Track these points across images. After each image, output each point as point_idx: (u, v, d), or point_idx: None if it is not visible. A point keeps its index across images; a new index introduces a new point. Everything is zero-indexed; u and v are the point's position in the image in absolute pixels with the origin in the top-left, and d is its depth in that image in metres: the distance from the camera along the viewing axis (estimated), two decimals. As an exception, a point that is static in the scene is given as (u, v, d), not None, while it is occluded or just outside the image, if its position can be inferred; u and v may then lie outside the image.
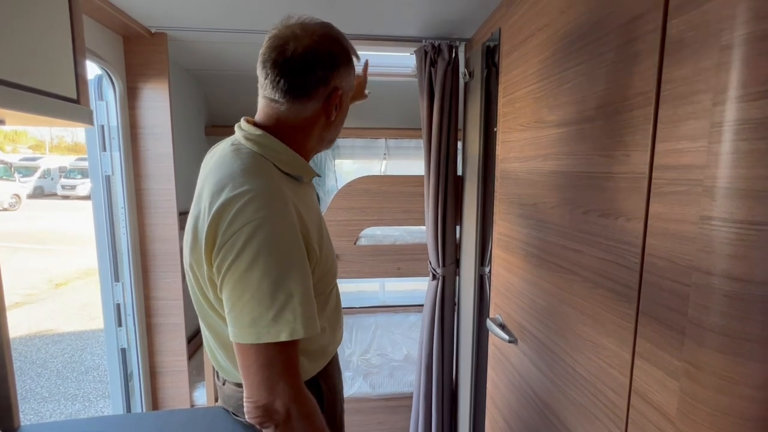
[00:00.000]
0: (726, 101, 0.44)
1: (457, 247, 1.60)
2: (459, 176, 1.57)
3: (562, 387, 0.79)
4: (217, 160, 0.68)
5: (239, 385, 0.74)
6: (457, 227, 1.59)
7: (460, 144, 1.53)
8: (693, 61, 0.49)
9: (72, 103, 0.59)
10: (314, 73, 0.66)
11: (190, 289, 0.73)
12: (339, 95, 0.71)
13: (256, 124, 0.71)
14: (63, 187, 14.34)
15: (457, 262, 1.60)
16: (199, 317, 0.76)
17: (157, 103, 1.34)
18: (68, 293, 5.07)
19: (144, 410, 1.42)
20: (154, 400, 1.45)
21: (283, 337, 0.59)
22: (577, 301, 0.73)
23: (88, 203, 1.36)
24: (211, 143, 2.20)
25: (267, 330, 0.58)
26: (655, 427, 0.56)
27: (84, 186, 12.08)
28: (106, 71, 1.25)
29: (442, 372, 1.55)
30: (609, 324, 0.65)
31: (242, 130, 0.70)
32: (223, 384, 0.80)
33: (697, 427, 0.49)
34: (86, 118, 0.63)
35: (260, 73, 0.68)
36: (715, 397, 0.47)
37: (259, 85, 0.70)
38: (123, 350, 1.39)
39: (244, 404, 0.62)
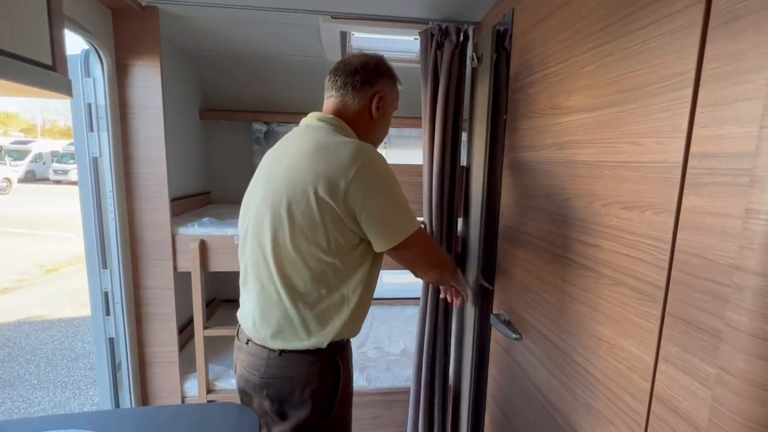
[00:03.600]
0: (785, 80, 0.39)
1: (459, 239, 1.55)
2: (463, 166, 1.52)
3: (572, 388, 0.75)
4: (309, 140, 0.83)
5: (263, 347, 0.86)
6: (459, 219, 1.54)
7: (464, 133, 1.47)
8: (745, 35, 0.44)
9: (46, 70, 0.52)
10: (363, 74, 0.89)
11: (254, 245, 0.86)
12: (381, 97, 0.91)
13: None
14: (55, 171, 14.10)
15: (458, 255, 1.56)
16: (257, 281, 0.86)
17: (148, 81, 1.27)
18: (59, 279, 4.99)
19: (133, 402, 1.37)
20: (144, 392, 1.41)
21: (417, 222, 0.87)
22: (593, 299, 0.69)
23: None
24: (206, 127, 2.14)
25: (409, 223, 0.84)
26: (679, 436, 0.52)
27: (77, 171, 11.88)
28: (93, 46, 1.17)
29: (440, 367, 1.51)
30: (629, 324, 0.61)
31: (312, 117, 0.90)
32: (246, 343, 0.89)
33: (731, 439, 0.45)
34: (63, 87, 0.57)
35: (326, 82, 0.93)
36: (754, 408, 0.43)
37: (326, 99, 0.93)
38: (111, 340, 1.34)
39: (427, 277, 0.99)
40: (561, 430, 0.79)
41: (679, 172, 0.52)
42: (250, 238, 0.86)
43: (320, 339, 0.83)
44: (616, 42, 0.64)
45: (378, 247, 0.83)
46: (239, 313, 0.94)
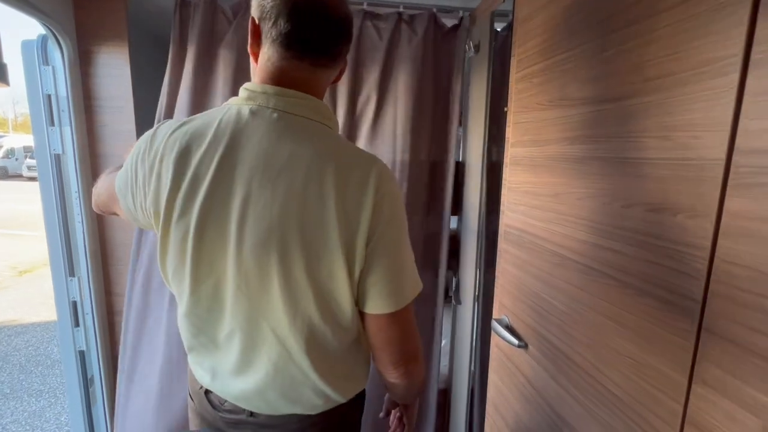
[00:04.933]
0: None
1: (453, 238, 1.49)
2: (458, 162, 1.45)
3: (587, 405, 0.69)
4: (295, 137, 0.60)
5: (278, 416, 0.69)
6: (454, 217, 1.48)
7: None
8: (810, 10, 0.37)
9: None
10: (351, 38, 0.66)
11: (250, 311, 0.62)
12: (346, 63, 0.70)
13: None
14: (29, 167, 13.54)
15: (452, 254, 1.49)
16: (255, 349, 0.65)
17: (115, 70, 1.15)
18: (34, 281, 4.76)
19: (107, 418, 1.27)
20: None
21: (421, 286, 0.67)
22: (613, 310, 0.63)
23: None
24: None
25: (417, 284, 0.66)
26: (719, 467, 0.46)
27: (52, 167, 11.43)
28: (51, 30, 1.05)
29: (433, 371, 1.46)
30: (658, 340, 0.55)
31: (277, 94, 0.61)
32: (250, 415, 0.70)
33: (787, 478, 0.39)
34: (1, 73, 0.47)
35: (295, 26, 0.59)
36: (818, 445, 0.37)
37: (281, 39, 0.60)
38: (81, 353, 1.23)
39: (394, 371, 0.68)
40: (573, 447, 0.73)
41: (720, 170, 0.46)
42: (235, 299, 0.62)
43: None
44: (643, 23, 0.57)
45: (375, 306, 0.62)
46: (214, 382, 0.71)
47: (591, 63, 0.68)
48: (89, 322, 1.21)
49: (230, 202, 0.58)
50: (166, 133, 0.62)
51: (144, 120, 1.21)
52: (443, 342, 1.84)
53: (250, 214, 0.57)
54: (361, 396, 0.76)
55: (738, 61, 0.44)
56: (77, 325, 1.22)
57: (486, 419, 1.15)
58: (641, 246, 0.57)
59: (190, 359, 0.74)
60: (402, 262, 0.62)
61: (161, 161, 0.61)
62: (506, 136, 1.02)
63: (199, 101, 1.17)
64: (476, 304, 1.33)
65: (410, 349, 0.67)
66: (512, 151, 0.99)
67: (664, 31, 0.53)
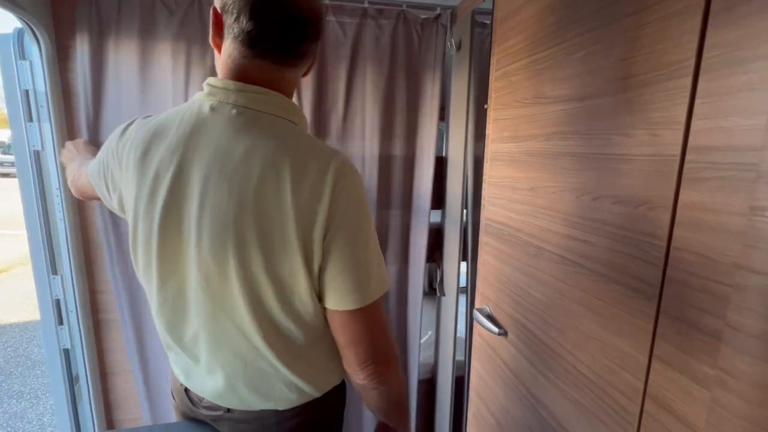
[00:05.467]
0: (796, 69, 0.37)
1: (437, 232, 1.52)
2: (440, 157, 1.48)
3: (561, 386, 0.74)
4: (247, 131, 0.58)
5: (254, 411, 0.69)
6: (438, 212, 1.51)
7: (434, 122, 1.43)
8: (750, 21, 0.41)
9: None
10: (319, 36, 0.63)
11: (213, 308, 0.62)
12: (316, 58, 0.67)
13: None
14: (2, 163, 13.01)
15: (434, 247, 1.53)
16: (221, 347, 0.65)
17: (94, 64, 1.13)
18: (10, 280, 4.62)
19: (94, 416, 1.27)
20: (106, 404, 1.31)
21: (388, 284, 0.65)
22: (582, 296, 0.67)
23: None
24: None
25: (383, 281, 0.63)
26: (674, 436, 0.51)
27: (25, 163, 11.01)
28: (27, 24, 1.03)
29: (409, 361, 1.50)
30: (622, 322, 0.59)
31: (238, 90, 0.59)
32: (227, 411, 0.71)
33: (730, 441, 0.44)
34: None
35: (255, 24, 0.57)
36: (755, 410, 0.42)
37: (243, 37, 0.58)
38: (66, 351, 1.22)
39: (361, 372, 0.64)
40: (548, 427, 0.78)
41: (676, 165, 0.50)
42: (198, 295, 0.61)
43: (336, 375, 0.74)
44: (608, 27, 0.60)
45: (335, 302, 0.61)
46: (189, 380, 0.72)
47: (563, 63, 0.71)
48: (73, 320, 1.20)
49: (189, 200, 0.58)
50: (135, 129, 0.63)
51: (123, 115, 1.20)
52: (429, 333, 1.88)
53: (207, 211, 0.57)
54: (338, 390, 0.75)
55: (691, 65, 0.48)
56: (61, 323, 1.21)
57: (469, 405, 1.20)
58: (608, 236, 0.61)
59: (169, 358, 0.75)
60: (364, 259, 0.60)
61: (128, 157, 0.62)
62: (487, 132, 1.05)
63: (144, 98, 1.15)
64: (461, 295, 1.37)
65: (378, 348, 0.63)
66: (492, 147, 1.02)
67: (628, 35, 0.57)
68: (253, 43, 0.57)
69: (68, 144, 0.90)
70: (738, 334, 0.42)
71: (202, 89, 0.62)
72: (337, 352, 0.68)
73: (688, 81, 0.48)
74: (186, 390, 0.75)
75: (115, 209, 0.70)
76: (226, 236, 0.56)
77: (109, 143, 0.67)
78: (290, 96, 0.64)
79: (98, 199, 0.78)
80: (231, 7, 0.55)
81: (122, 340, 1.27)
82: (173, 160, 0.58)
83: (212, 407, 0.72)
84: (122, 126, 0.67)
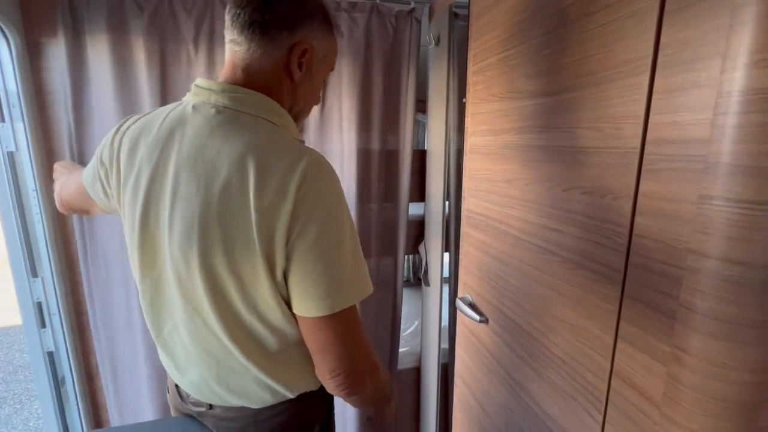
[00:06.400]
0: (737, 68, 0.40)
1: (420, 224, 1.55)
2: (421, 151, 1.50)
3: (538, 368, 0.78)
4: (213, 131, 0.58)
5: (233, 408, 0.70)
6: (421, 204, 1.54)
7: (419, 115, 1.45)
8: (698, 21, 0.44)
9: None
10: (280, 6, 0.59)
11: (185, 305, 0.63)
12: (306, 50, 0.62)
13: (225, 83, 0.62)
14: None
15: (418, 239, 1.56)
16: (194, 342, 0.65)
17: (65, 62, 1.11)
18: (-14, 285, 4.48)
19: (82, 417, 1.27)
20: (94, 405, 1.30)
21: (367, 292, 0.61)
22: (556, 282, 0.71)
23: None
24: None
25: (358, 289, 0.60)
26: (637, 409, 0.55)
27: (-3, 163, 10.60)
28: (-6, 21, 1.00)
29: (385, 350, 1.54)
30: (590, 306, 0.63)
31: (220, 90, 0.60)
32: (210, 408, 0.72)
33: (684, 411, 0.48)
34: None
35: (226, 14, 0.62)
36: (706, 382, 0.45)
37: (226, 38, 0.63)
38: (50, 354, 1.21)
39: (331, 381, 0.62)
40: (528, 408, 0.82)
41: (636, 158, 0.53)
42: (173, 291, 0.63)
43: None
44: (572, 25, 0.63)
45: (300, 307, 0.59)
46: (174, 375, 0.73)
47: (534, 59, 0.74)
48: (56, 323, 1.19)
49: (163, 196, 0.59)
50: (126, 127, 0.66)
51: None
52: (416, 323, 1.92)
53: (177, 207, 0.58)
54: (315, 397, 0.72)
55: (648, 62, 0.50)
56: (44, 326, 1.20)
57: (454, 391, 1.24)
58: (577, 225, 0.65)
59: (158, 349, 0.76)
60: (333, 263, 0.57)
61: (118, 155, 0.64)
62: (465, 125, 1.07)
63: (121, 95, 1.13)
64: (444, 285, 1.41)
65: (350, 358, 0.60)
66: (471, 140, 1.05)
67: (590, 33, 0.59)
68: (229, 37, 0.62)
69: (56, 165, 0.88)
70: (690, 313, 0.46)
71: (179, 86, 0.65)
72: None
73: (646, 78, 0.51)
74: (177, 385, 0.76)
75: (114, 208, 0.71)
76: (192, 233, 0.57)
77: (105, 141, 0.68)
78: (274, 93, 0.63)
79: (83, 212, 0.78)
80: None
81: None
82: (153, 157, 0.60)
83: (197, 403, 0.73)
84: (116, 126, 0.68)
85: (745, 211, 0.41)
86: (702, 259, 0.44)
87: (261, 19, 0.59)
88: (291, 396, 0.69)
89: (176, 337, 0.68)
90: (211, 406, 0.72)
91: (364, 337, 0.63)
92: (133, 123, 0.66)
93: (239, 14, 0.59)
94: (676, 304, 0.48)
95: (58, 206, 0.85)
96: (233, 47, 0.61)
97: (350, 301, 0.59)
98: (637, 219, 0.54)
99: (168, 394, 0.83)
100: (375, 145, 1.36)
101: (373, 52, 1.27)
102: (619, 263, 0.56)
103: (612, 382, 0.60)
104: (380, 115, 1.33)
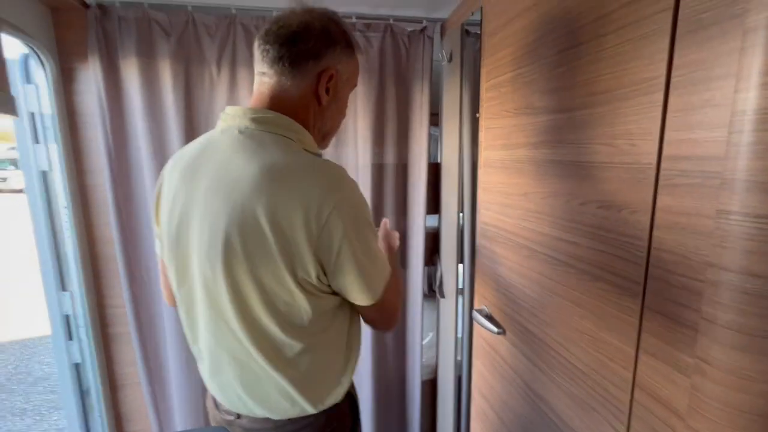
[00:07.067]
0: (750, 89, 0.42)
1: (434, 236, 1.57)
2: (435, 164, 1.53)
3: (557, 379, 0.78)
4: (238, 151, 0.63)
5: (258, 420, 0.72)
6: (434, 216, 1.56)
7: (432, 129, 1.48)
8: (711, 44, 0.46)
9: (-14, 89, 0.47)
10: (305, 43, 0.64)
11: (211, 312, 0.67)
12: (332, 76, 0.67)
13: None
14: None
15: (433, 250, 1.58)
16: (221, 348, 0.69)
17: (96, 86, 1.17)
18: (7, 297, 4.60)
19: (105, 428, 1.29)
20: (117, 416, 1.33)
21: (389, 274, 0.71)
22: (573, 294, 0.72)
23: (24, 197, 1.19)
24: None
25: (383, 275, 0.69)
26: (661, 422, 0.55)
27: (19, 177, 10.94)
28: (32, 49, 1.06)
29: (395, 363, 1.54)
30: (610, 318, 0.63)
31: (244, 114, 0.65)
32: (238, 417, 0.74)
33: (709, 423, 0.48)
34: (6, 105, 0.51)
35: (255, 50, 0.67)
36: (730, 394, 0.46)
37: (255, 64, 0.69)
38: (77, 365, 1.25)
39: (377, 330, 0.78)
40: (547, 419, 0.82)
41: (652, 173, 0.54)
42: (201, 299, 0.67)
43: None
44: (586, 45, 0.65)
45: (356, 299, 0.68)
46: (207, 382, 0.77)
47: (548, 77, 0.76)
48: (83, 335, 1.23)
49: (194, 215, 0.64)
50: (166, 168, 0.73)
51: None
52: (430, 335, 1.92)
53: (206, 224, 0.63)
54: (339, 412, 0.74)
55: (662, 81, 0.52)
56: (71, 338, 1.23)
57: (472, 403, 1.24)
58: (594, 238, 0.66)
59: (196, 360, 0.79)
60: (366, 263, 0.64)
61: (160, 190, 0.72)
62: (479, 140, 1.10)
63: (149, 115, 1.18)
64: (460, 297, 1.41)
65: (392, 318, 0.75)
66: (485, 154, 1.07)
67: (606, 52, 0.61)
68: (258, 70, 0.68)
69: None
70: (712, 325, 0.47)
71: (203, 106, 0.71)
72: (336, 366, 0.72)
73: (660, 96, 0.53)
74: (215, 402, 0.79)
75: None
76: (217, 244, 0.61)
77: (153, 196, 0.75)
78: (300, 116, 0.67)
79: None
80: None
81: (131, 353, 1.30)
82: (186, 179, 0.66)
83: (228, 412, 0.75)
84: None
85: (763, 225, 0.42)
86: (722, 272, 0.45)
87: (289, 53, 0.64)
88: (312, 411, 0.70)
89: (206, 345, 0.71)
90: (239, 416, 0.74)
91: (398, 300, 0.76)
92: (172, 162, 0.72)
93: (268, 50, 0.64)
94: (697, 316, 0.49)
95: (167, 300, 0.85)
96: (263, 79, 0.67)
97: (383, 284, 0.68)
98: (655, 233, 0.55)
99: (207, 402, 0.86)
100: (390, 159, 1.39)
101: (387, 70, 1.31)
102: (639, 276, 0.58)
103: (635, 393, 0.60)
104: (395, 129, 1.37)
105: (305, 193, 0.58)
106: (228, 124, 0.66)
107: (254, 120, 0.64)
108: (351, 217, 0.60)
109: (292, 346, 0.66)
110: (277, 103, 0.66)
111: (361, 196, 0.64)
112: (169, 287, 0.81)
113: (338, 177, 0.62)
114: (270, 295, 0.63)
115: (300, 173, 0.59)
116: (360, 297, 0.66)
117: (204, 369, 0.75)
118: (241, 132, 0.64)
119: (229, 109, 0.68)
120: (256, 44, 0.67)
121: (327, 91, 0.68)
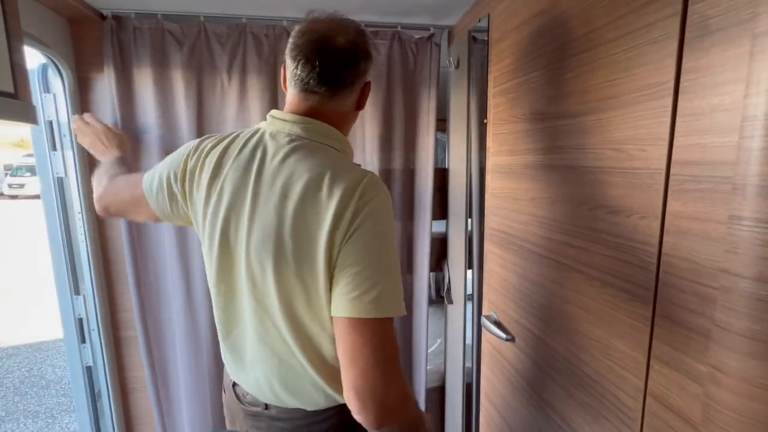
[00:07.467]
0: (760, 93, 0.41)
1: (442, 241, 1.56)
2: (443, 169, 1.53)
3: (566, 386, 0.77)
4: (296, 156, 0.67)
5: (287, 410, 0.74)
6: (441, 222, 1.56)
7: (439, 134, 1.48)
8: (720, 49, 0.46)
9: (8, 99, 0.49)
10: (357, 65, 0.70)
11: (257, 308, 0.70)
12: (367, 85, 0.76)
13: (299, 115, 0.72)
14: (10, 186, 13.24)
15: (441, 256, 1.57)
16: (263, 344, 0.71)
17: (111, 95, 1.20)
18: (21, 301, 4.69)
19: (116, 430, 1.31)
20: (127, 419, 1.35)
21: (400, 312, 0.63)
22: (583, 300, 0.71)
23: (40, 203, 1.22)
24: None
25: (393, 302, 0.62)
26: (674, 430, 0.54)
27: (35, 184, 11.22)
28: (51, 59, 1.10)
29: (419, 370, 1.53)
30: (620, 325, 0.63)
31: (293, 121, 0.70)
32: (266, 408, 0.76)
33: (723, 433, 0.47)
34: (28, 115, 0.53)
35: (300, 66, 0.68)
36: (745, 403, 0.45)
37: (295, 79, 0.70)
38: (89, 368, 1.27)
39: (353, 399, 0.61)
40: (558, 427, 0.81)
41: (662, 178, 0.54)
42: (246, 296, 0.70)
43: None
44: (595, 50, 0.65)
45: (335, 308, 0.63)
46: (238, 375, 0.79)
47: (555, 83, 0.76)
48: (95, 338, 1.25)
49: (243, 214, 0.68)
50: (205, 147, 0.74)
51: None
52: (438, 341, 1.91)
53: (256, 223, 0.67)
54: None
55: (671, 86, 0.52)
56: (83, 341, 1.26)
57: (480, 411, 1.22)
58: (603, 244, 0.65)
59: (222, 350, 0.82)
60: (375, 274, 0.61)
61: (200, 172, 0.73)
62: (487, 145, 1.10)
63: (162, 122, 1.21)
64: (468, 302, 1.40)
65: (375, 376, 0.59)
66: (492, 160, 1.07)
67: (614, 58, 0.61)
68: (306, 86, 0.69)
69: (96, 171, 0.96)
70: (725, 333, 0.46)
71: (213, 112, 0.71)
72: None
73: (669, 101, 0.52)
74: (234, 385, 0.82)
75: (168, 215, 0.78)
76: (268, 243, 0.65)
77: (178, 158, 0.75)
78: (340, 125, 0.73)
79: (124, 217, 0.83)
80: (291, 59, 0.69)
81: (141, 356, 1.31)
82: (235, 178, 0.69)
83: (254, 403, 0.78)
84: (194, 142, 0.76)
85: (776, 231, 0.41)
86: (735, 278, 0.45)
87: (345, 76, 0.69)
88: (342, 401, 0.71)
89: (244, 338, 0.75)
90: (267, 407, 0.76)
91: (397, 363, 0.61)
92: (213, 146, 0.73)
93: (315, 67, 0.67)
94: (710, 323, 0.48)
95: (98, 209, 0.88)
96: (310, 95, 0.70)
97: (384, 313, 0.60)
98: (666, 238, 0.54)
99: (224, 395, 0.89)
100: (397, 164, 1.40)
101: (394, 77, 1.33)
102: (649, 282, 0.57)
103: (647, 401, 0.59)
104: (402, 135, 1.37)
105: (353, 196, 0.63)
106: (277, 128, 0.71)
107: (304, 129, 0.70)
108: (376, 220, 0.64)
109: (328, 348, 0.70)
110: (322, 113, 0.71)
111: (392, 212, 0.68)
112: (106, 203, 0.86)
113: (381, 187, 0.67)
114: (312, 298, 0.66)
115: (350, 179, 0.64)
116: (341, 305, 0.61)
117: (234, 362, 0.78)
118: (291, 139, 0.69)
119: (277, 114, 0.72)
120: (304, 60, 0.67)
121: (365, 97, 0.76)
